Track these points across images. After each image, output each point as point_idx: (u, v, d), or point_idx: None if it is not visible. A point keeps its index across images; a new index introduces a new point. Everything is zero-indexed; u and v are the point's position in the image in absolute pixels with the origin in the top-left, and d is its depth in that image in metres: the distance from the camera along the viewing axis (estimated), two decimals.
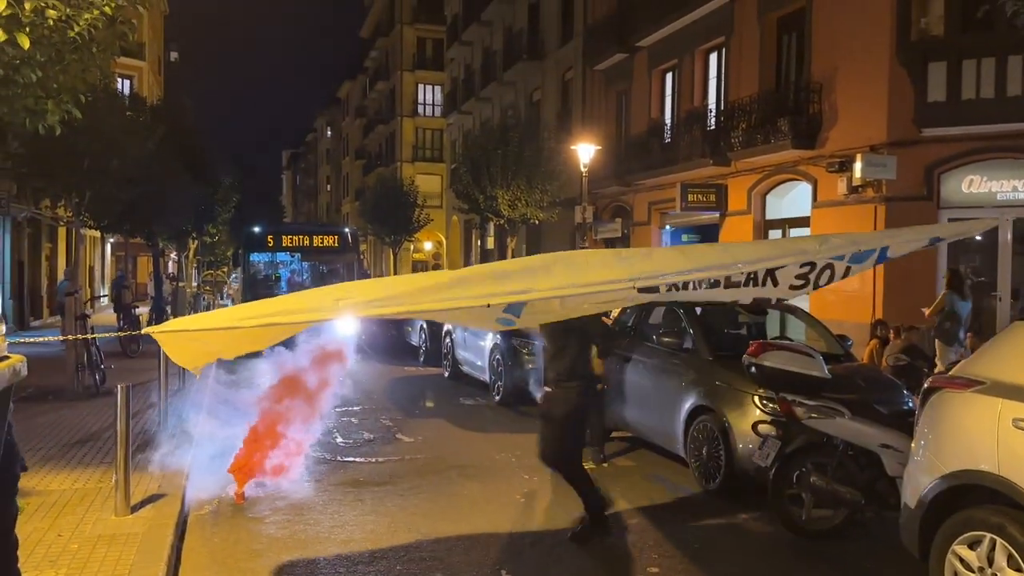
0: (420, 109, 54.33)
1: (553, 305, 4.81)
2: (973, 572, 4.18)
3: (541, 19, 30.66)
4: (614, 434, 9.31)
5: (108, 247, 38.70)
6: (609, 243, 25.45)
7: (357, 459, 8.49)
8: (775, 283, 4.79)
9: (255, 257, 19.56)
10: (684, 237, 22.31)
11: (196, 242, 37.78)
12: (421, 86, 54.10)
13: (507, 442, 8.78)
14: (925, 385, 4.72)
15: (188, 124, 28.19)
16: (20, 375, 2.31)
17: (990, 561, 4.10)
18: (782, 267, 4.70)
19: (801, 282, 4.82)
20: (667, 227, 22.48)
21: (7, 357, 2.28)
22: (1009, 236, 13.84)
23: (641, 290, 4.53)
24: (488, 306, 4.37)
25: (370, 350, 15.87)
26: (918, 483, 4.53)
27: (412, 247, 48.52)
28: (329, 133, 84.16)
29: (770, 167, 17.53)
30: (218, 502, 6.85)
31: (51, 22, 5.16)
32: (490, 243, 34.82)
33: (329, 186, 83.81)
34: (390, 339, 17.92)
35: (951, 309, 11.34)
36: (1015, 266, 13.85)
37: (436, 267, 47.69)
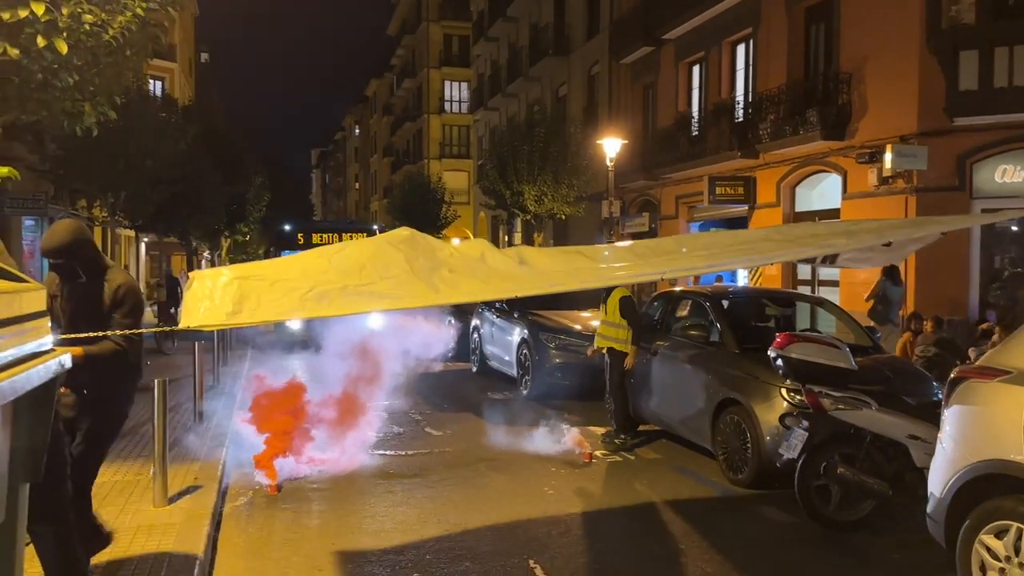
0: (447, 106, 54.52)
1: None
2: (1000, 561, 4.18)
3: (567, 13, 30.65)
4: (641, 427, 9.37)
5: (143, 246, 39.36)
6: (636, 237, 25.41)
7: (387, 452, 8.61)
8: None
9: (286, 255, 19.80)
10: (712, 231, 22.22)
11: (229, 240, 38.32)
12: (448, 83, 54.28)
13: (534, 436, 8.85)
14: (952, 375, 4.71)
15: (219, 124, 28.60)
16: (65, 367, 2.42)
17: (1017, 550, 4.09)
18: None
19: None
20: (695, 221, 22.40)
21: (53, 350, 2.39)
22: None
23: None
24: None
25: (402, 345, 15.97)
26: (944, 473, 4.53)
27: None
28: (357, 131, 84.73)
29: (799, 159, 17.40)
30: (252, 493, 7.00)
31: (87, 27, 5.31)
32: (517, 239, 34.89)
33: (358, 184, 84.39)
34: (418, 334, 18.00)
35: (883, 293, 12.80)
36: None
37: None
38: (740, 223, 20.00)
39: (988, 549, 4.24)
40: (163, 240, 27.86)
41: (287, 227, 19.68)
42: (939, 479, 4.58)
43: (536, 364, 11.66)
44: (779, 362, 5.94)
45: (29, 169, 16.43)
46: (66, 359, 2.46)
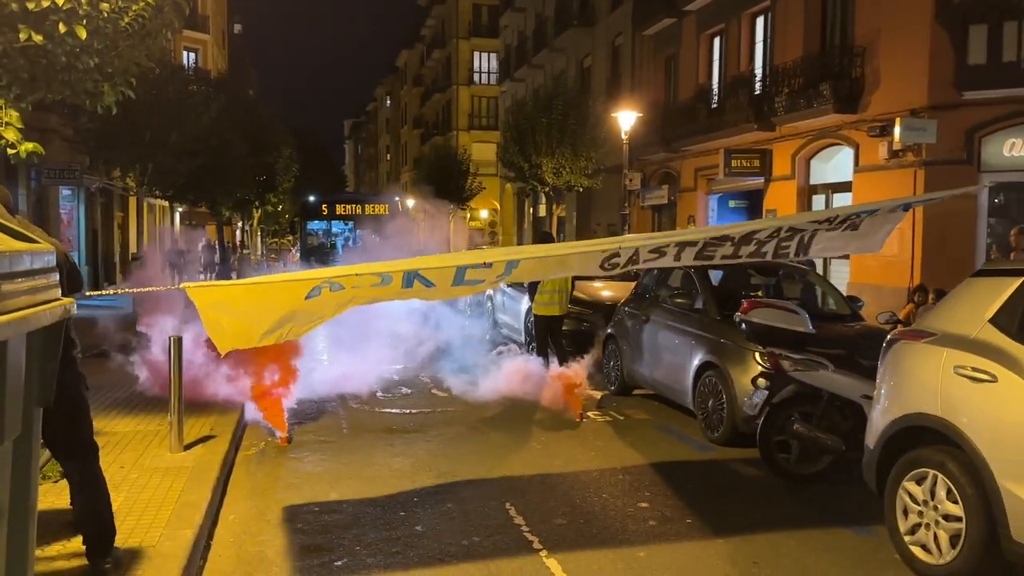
0: (476, 77, 54.69)
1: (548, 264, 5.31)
2: (919, 505, 4.60)
3: None
4: (636, 391, 9.82)
5: (177, 216, 40.38)
6: (656, 209, 25.68)
7: (393, 410, 9.18)
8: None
9: (312, 226, 20.48)
10: (731, 203, 22.41)
11: (260, 211, 39.14)
12: (477, 54, 54.39)
13: (532, 398, 9.34)
14: (888, 338, 5.10)
15: (247, 96, 29.20)
16: (71, 313, 2.95)
17: (932, 495, 4.50)
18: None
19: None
20: (713, 193, 22.60)
21: (59, 299, 2.92)
22: None
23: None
24: (483, 264, 4.92)
25: (419, 314, 16.56)
26: (877, 426, 4.94)
27: (468, 215, 49.19)
28: (388, 103, 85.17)
29: (813, 132, 17.55)
30: (264, 444, 7.60)
31: (105, 13, 5.81)
32: (542, 210, 35.24)
33: (389, 155, 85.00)
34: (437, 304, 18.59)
35: None
36: None
37: (492, 234, 48.31)
38: (756, 195, 20.22)
39: (910, 494, 4.66)
40: (195, 210, 28.61)
41: (311, 199, 20.30)
42: (872, 432, 4.99)
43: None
44: (743, 326, 6.34)
45: (64, 141, 17.16)
46: (72, 307, 2.98)
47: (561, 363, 9.66)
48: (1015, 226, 11.95)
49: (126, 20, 5.94)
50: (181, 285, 4.41)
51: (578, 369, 9.13)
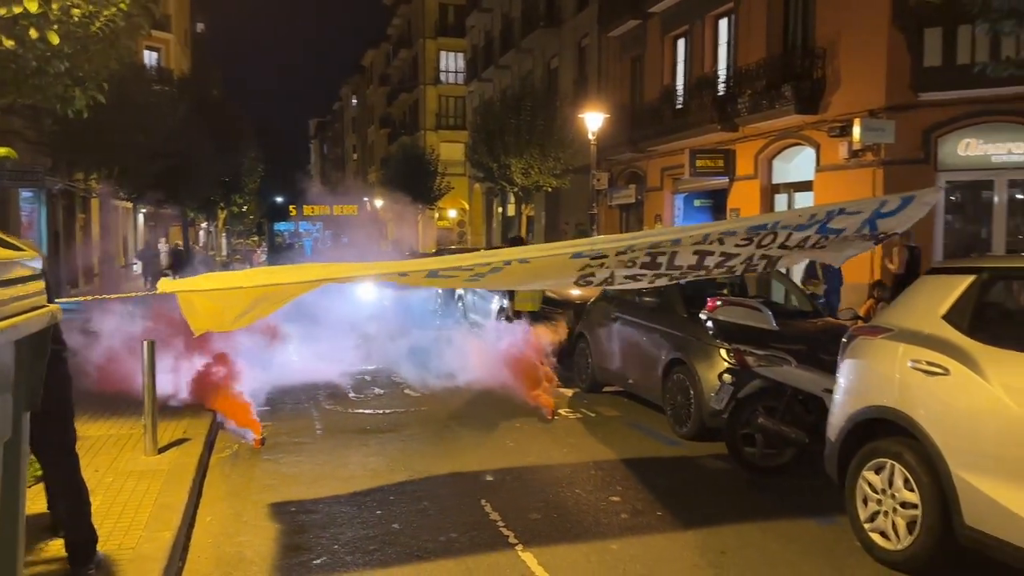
0: (443, 77, 54.62)
1: (516, 271, 5.41)
2: (878, 494, 4.80)
3: None
4: (606, 388, 10.00)
5: (140, 217, 39.86)
6: (623, 209, 25.93)
7: (366, 411, 9.25)
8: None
9: (279, 227, 20.37)
10: (696, 202, 22.73)
11: (225, 212, 38.82)
12: (443, 53, 54.31)
13: (504, 396, 9.46)
14: (847, 333, 5.30)
15: (213, 96, 28.95)
16: (57, 319, 3.01)
17: (890, 483, 4.71)
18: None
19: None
20: (679, 193, 22.89)
21: (46, 306, 2.98)
22: (1006, 197, 14.17)
23: (592, 257, 5.15)
24: (458, 268, 5.03)
25: (392, 314, 16.62)
26: (837, 419, 5.14)
27: (437, 215, 49.16)
28: (354, 102, 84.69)
29: (776, 132, 17.87)
30: (238, 446, 7.64)
31: (76, 18, 5.83)
32: (511, 210, 35.37)
33: (355, 155, 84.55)
34: (409, 304, 18.66)
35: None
36: (1009, 227, 14.18)
37: (461, 235, 48.33)
38: (721, 195, 20.53)
39: (869, 484, 4.86)
40: (160, 211, 28.31)
41: (279, 199, 20.20)
42: (833, 425, 5.20)
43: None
44: (709, 324, 6.53)
45: (27, 143, 16.92)
46: (59, 313, 3.04)
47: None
48: (899, 241, 11.85)
49: (97, 25, 5.96)
50: (159, 285, 4.47)
51: (547, 368, 9.30)
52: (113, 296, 4.80)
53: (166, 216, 35.11)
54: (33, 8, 5.37)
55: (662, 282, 5.50)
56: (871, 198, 5.88)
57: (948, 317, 4.57)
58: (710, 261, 5.48)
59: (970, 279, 4.59)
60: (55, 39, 5.52)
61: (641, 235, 5.41)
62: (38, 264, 3.05)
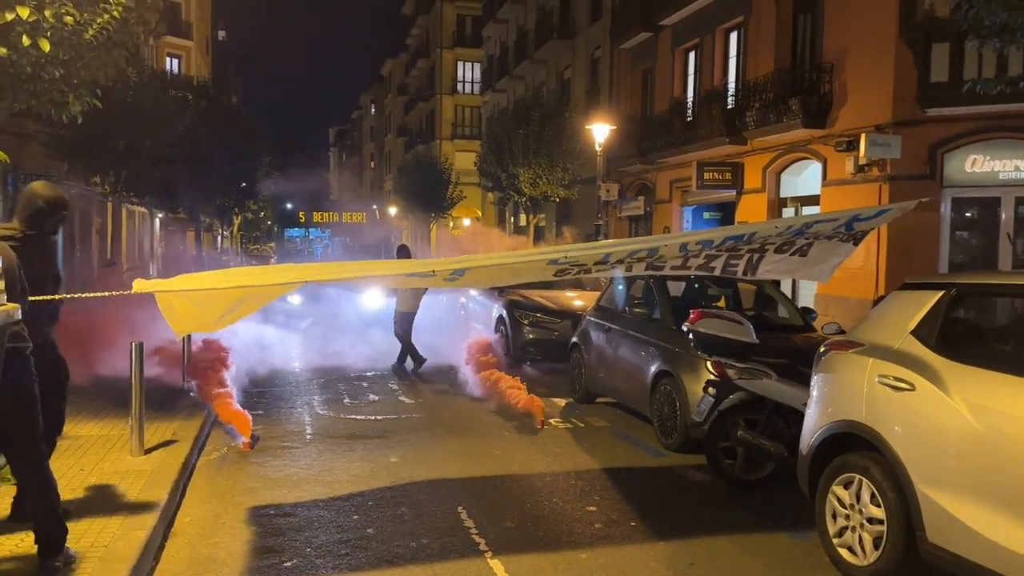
0: (459, 87, 54.96)
1: (494, 269, 5.47)
2: (846, 508, 4.79)
3: None
4: (599, 399, 10.00)
5: (157, 222, 40.26)
6: (632, 220, 25.94)
7: (358, 417, 9.30)
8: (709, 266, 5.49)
9: (290, 233, 20.51)
10: (705, 215, 22.70)
11: (240, 217, 39.15)
12: (460, 63, 54.67)
13: (497, 405, 9.49)
14: (820, 347, 5.30)
15: (228, 103, 29.24)
16: (13, 317, 3.09)
17: (858, 499, 4.70)
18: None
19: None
20: (688, 205, 22.88)
21: (3, 304, 3.06)
22: (1012, 214, 14.07)
23: (571, 264, 5.20)
24: (434, 272, 5.09)
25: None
26: (809, 432, 5.14)
27: (451, 223, 49.30)
28: (373, 111, 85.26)
29: (783, 146, 17.86)
30: (227, 449, 7.71)
31: (69, 26, 5.95)
32: (523, 220, 35.45)
33: (373, 163, 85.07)
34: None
35: None
36: (1017, 243, 14.07)
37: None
38: (730, 208, 20.51)
39: (838, 499, 4.85)
40: (176, 217, 28.60)
41: (288, 206, 20.37)
42: (805, 438, 5.19)
43: (511, 337, 12.30)
44: (690, 336, 6.54)
45: (41, 146, 17.18)
46: (16, 312, 3.13)
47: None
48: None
49: (91, 32, 6.07)
50: (134, 284, 4.54)
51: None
52: (90, 295, 4.87)
53: (184, 221, 35.49)
54: (25, 15, 5.50)
55: (639, 268, 5.55)
56: (848, 209, 5.88)
57: (916, 332, 4.56)
58: (692, 262, 5.58)
59: (938, 295, 4.58)
60: (46, 46, 5.63)
61: (617, 243, 5.45)
62: None
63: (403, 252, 13.64)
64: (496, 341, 12.22)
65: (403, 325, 12.54)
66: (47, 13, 5.69)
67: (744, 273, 5.93)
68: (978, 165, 14.22)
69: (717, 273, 5.93)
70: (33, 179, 18.34)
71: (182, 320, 4.89)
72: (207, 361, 9.59)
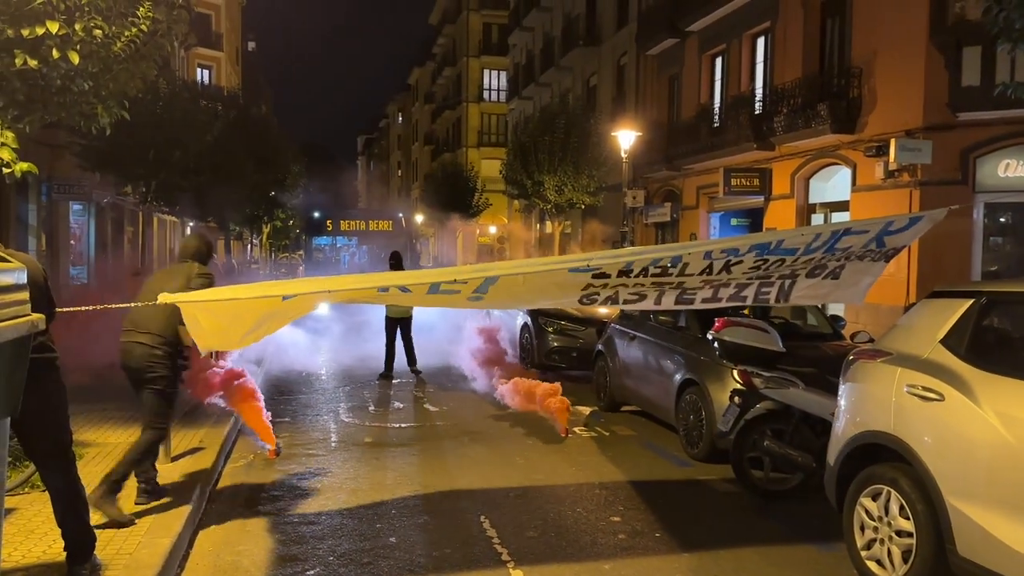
0: (486, 95, 55.14)
1: (518, 287, 5.39)
2: (874, 520, 4.70)
3: (598, 4, 30.99)
4: (624, 407, 9.94)
5: (188, 231, 40.79)
6: (659, 227, 25.80)
7: (383, 424, 9.34)
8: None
9: (318, 241, 20.69)
10: (733, 221, 22.51)
11: (269, 226, 39.55)
12: (487, 71, 54.87)
13: (522, 413, 9.47)
14: (848, 357, 5.21)
15: (256, 113, 29.57)
16: (38, 327, 3.13)
17: (886, 511, 4.61)
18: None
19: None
20: (715, 211, 22.71)
21: (28, 315, 3.10)
22: None
23: (594, 275, 5.12)
24: (455, 283, 5.06)
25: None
26: (836, 443, 5.05)
27: (478, 231, 49.42)
28: (400, 119, 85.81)
29: (812, 151, 17.66)
30: (253, 456, 7.77)
31: (99, 39, 6.04)
32: (549, 227, 35.42)
33: (400, 171, 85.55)
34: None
35: None
36: None
37: (501, 251, 48.52)
38: (757, 214, 20.32)
39: (866, 511, 4.76)
40: (207, 225, 28.94)
41: (316, 214, 20.54)
42: (833, 449, 5.10)
43: (536, 346, 12.28)
44: (715, 344, 6.47)
45: (75, 156, 17.52)
46: (40, 322, 3.16)
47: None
48: None
49: (119, 45, 6.15)
50: (159, 295, 4.57)
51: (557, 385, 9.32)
52: (114, 307, 4.93)
53: (214, 230, 35.95)
54: (55, 29, 5.59)
55: (668, 301, 5.43)
56: (879, 217, 5.75)
57: (945, 341, 4.47)
58: (723, 293, 5.44)
59: (968, 303, 4.49)
60: (76, 58, 5.72)
61: (641, 251, 5.35)
62: (22, 275, 3.18)
63: (395, 260, 12.93)
64: (502, 338, 12.20)
65: (390, 331, 12.35)
66: (77, 27, 5.77)
67: (776, 300, 5.76)
68: (1011, 170, 13.95)
69: (749, 303, 5.79)
70: (66, 190, 18.72)
71: (207, 335, 4.86)
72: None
